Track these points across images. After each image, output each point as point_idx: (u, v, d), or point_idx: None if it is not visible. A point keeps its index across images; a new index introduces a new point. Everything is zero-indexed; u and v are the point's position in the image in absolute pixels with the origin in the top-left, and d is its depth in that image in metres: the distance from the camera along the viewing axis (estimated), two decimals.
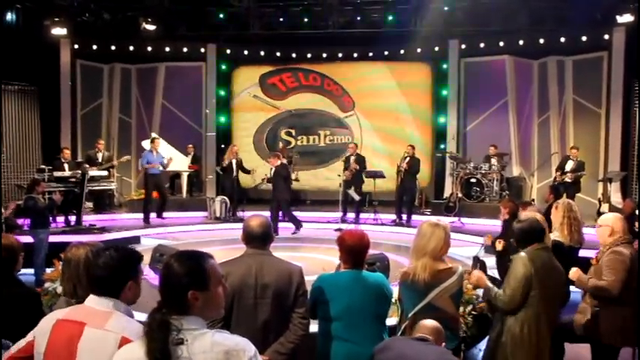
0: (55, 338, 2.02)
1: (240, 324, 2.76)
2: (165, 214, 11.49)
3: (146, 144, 12.55)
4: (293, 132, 14.65)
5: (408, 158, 11.24)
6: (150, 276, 7.02)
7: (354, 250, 3.14)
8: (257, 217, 3.03)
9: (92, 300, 2.07)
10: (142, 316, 4.94)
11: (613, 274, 3.52)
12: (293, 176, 12.24)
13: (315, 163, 14.49)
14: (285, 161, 11.06)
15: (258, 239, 2.93)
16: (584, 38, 12.02)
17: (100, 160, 11.48)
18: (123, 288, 2.08)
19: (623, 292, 3.52)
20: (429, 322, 2.80)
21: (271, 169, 10.82)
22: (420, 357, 2.52)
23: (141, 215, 11.15)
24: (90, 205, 11.56)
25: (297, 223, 10.64)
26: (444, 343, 2.75)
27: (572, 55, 12.46)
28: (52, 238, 7.85)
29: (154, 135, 12.51)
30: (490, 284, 3.49)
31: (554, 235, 4.14)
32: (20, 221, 8.97)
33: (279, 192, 10.48)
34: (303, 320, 2.90)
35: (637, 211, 7.27)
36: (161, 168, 11.18)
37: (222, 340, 1.77)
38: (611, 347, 3.64)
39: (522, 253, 3.33)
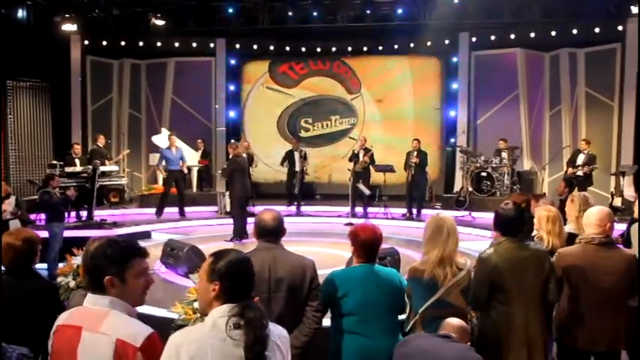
0: (57, 345, 1.97)
1: None
2: (173, 210, 11.41)
3: (156, 139, 12.61)
4: (310, 120, 14.70)
5: (416, 152, 11.20)
6: (161, 270, 7.07)
7: (368, 244, 3.12)
8: (270, 211, 3.04)
9: (89, 299, 1.98)
10: (153, 310, 4.93)
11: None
12: (308, 169, 12.24)
13: (324, 143, 14.60)
14: (243, 154, 9.82)
15: (272, 233, 2.95)
16: (596, 30, 11.85)
17: (106, 154, 11.56)
18: (103, 283, 1.93)
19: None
20: (454, 321, 2.74)
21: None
22: (440, 352, 2.49)
23: (151, 210, 11.21)
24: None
25: (241, 232, 9.03)
26: (469, 343, 2.69)
27: (584, 47, 12.31)
28: (65, 233, 7.91)
29: (165, 131, 12.57)
30: None
31: (570, 228, 4.10)
32: (33, 216, 9.06)
33: (233, 188, 9.31)
34: (316, 313, 2.92)
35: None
36: (180, 164, 11.20)
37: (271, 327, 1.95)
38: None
39: (484, 253, 3.21)
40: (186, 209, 11.51)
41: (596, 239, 3.36)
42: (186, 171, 11.66)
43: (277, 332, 1.96)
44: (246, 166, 9.45)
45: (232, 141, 10.92)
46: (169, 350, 1.84)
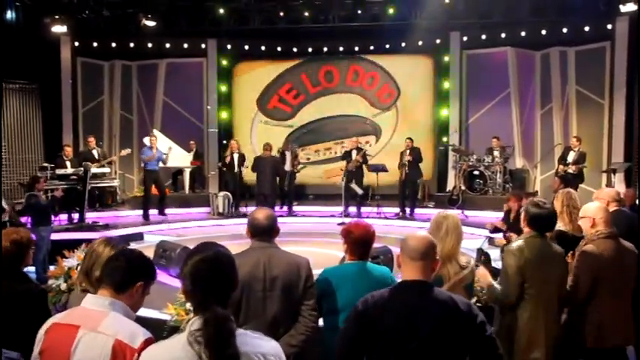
0: (49, 343, 1.96)
1: (249, 318, 2.74)
2: (167, 211, 11.42)
3: (147, 141, 12.53)
4: (310, 153, 14.22)
5: (409, 151, 11.23)
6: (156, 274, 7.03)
7: (361, 241, 3.11)
8: (263, 209, 3.03)
9: (88, 300, 2.02)
10: (145, 311, 4.91)
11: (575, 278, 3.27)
12: (298, 168, 12.31)
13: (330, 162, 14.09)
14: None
15: (265, 232, 2.92)
16: (586, 28, 11.93)
17: (96, 156, 11.46)
18: (132, 286, 2.02)
19: (594, 295, 3.28)
20: (419, 238, 2.37)
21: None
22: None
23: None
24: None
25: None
26: (438, 259, 2.36)
27: (574, 46, 12.38)
28: (55, 236, 7.84)
29: (156, 132, 12.52)
30: (493, 283, 3.34)
31: (557, 225, 4.11)
32: (23, 219, 8.96)
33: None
34: (312, 312, 2.90)
35: (637, 201, 7.25)
36: (161, 164, 11.15)
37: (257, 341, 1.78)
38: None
39: (513, 245, 3.23)
40: (180, 210, 11.50)
41: (612, 234, 3.36)
42: (162, 164, 11.43)
43: (264, 350, 1.74)
44: (263, 166, 10.95)
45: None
46: None
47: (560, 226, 4.08)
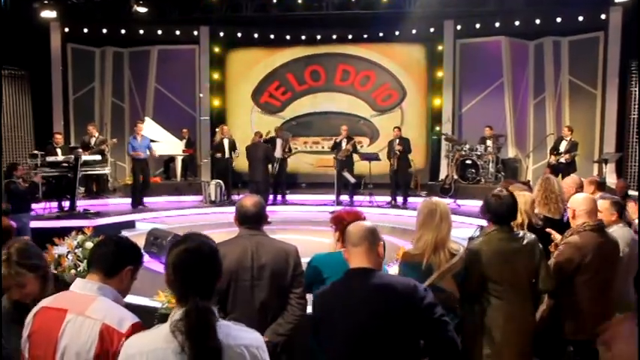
0: (37, 326, 1.97)
1: (236, 306, 2.74)
2: (159, 199, 11.44)
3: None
4: (299, 145, 14.10)
5: (397, 140, 11.21)
6: (144, 259, 7.01)
7: None
8: (251, 197, 3.01)
9: (77, 284, 2.03)
10: (136, 299, 4.87)
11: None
12: (288, 157, 12.27)
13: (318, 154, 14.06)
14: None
15: (253, 219, 2.91)
16: (580, 18, 11.93)
17: (92, 144, 11.38)
18: (120, 271, 2.04)
19: (575, 287, 3.27)
20: (357, 230, 2.39)
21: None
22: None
23: None
24: (82, 189, 11.42)
25: None
26: (381, 242, 2.39)
27: (568, 36, 12.39)
28: (46, 224, 7.78)
29: (148, 119, 12.42)
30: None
31: (537, 210, 4.12)
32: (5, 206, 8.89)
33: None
34: (300, 300, 2.89)
35: (629, 192, 7.30)
36: (147, 153, 10.98)
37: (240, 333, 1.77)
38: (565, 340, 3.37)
39: (475, 243, 3.14)
40: (172, 198, 11.46)
41: (595, 227, 3.33)
42: (154, 154, 11.33)
43: (246, 342, 1.73)
44: (255, 153, 11.00)
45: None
46: None
47: (543, 211, 4.09)
